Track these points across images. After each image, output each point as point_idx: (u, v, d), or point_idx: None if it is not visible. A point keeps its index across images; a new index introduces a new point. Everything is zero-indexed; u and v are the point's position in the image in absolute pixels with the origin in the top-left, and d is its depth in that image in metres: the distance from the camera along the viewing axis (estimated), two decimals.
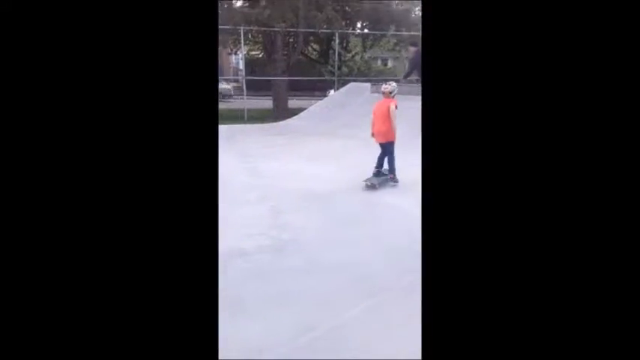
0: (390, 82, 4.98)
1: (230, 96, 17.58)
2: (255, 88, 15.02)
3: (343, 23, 13.67)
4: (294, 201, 4.26)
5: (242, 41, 12.22)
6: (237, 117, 11.28)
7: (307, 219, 3.76)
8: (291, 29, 12.02)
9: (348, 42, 12.99)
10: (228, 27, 11.14)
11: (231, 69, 26.14)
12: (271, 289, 2.53)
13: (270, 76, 13.06)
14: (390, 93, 4.78)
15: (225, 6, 11.84)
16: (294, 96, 14.96)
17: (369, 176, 4.83)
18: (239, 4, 12.95)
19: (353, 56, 12.59)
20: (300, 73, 14.94)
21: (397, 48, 13.43)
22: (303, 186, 4.77)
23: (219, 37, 11.08)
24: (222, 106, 11.25)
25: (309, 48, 16.78)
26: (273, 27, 11.50)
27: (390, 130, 4.68)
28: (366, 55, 13.15)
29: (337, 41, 12.28)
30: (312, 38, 15.32)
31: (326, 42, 14.35)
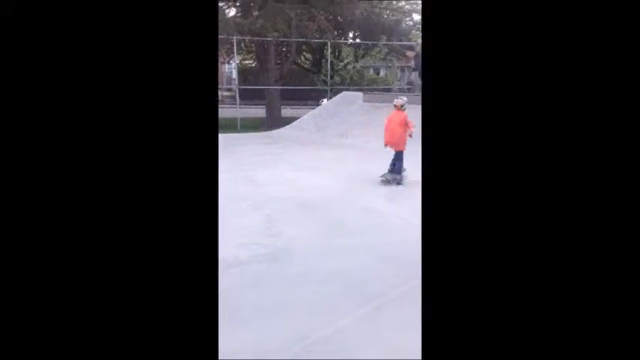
0: (402, 97, 5.56)
1: (221, 101, 17.56)
2: (248, 97, 15.05)
3: (335, 33, 13.81)
4: (288, 210, 4.28)
5: (235, 51, 12.29)
6: (230, 126, 11.29)
7: (301, 228, 3.78)
8: (284, 39, 12.13)
9: (340, 51, 13.12)
10: (221, 36, 11.20)
11: (224, 78, 26.18)
12: (266, 298, 2.54)
13: (263, 85, 13.13)
14: (402, 106, 5.32)
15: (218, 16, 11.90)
16: (287, 105, 15.02)
17: (385, 172, 5.43)
18: (232, 13, 13.05)
19: (345, 65, 12.71)
20: (293, 82, 15.03)
21: (388, 57, 13.60)
22: (297, 195, 4.79)
23: None
24: None
25: (302, 57, 16.91)
26: (266, 37, 11.59)
27: (402, 140, 5.24)
28: (358, 65, 13.29)
29: (329, 51, 12.40)
30: (304, 48, 15.45)
31: (318, 51, 14.48)
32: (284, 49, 13.84)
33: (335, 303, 2.47)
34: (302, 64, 17.35)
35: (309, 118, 10.47)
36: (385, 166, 5.43)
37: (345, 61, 12.73)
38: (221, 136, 9.47)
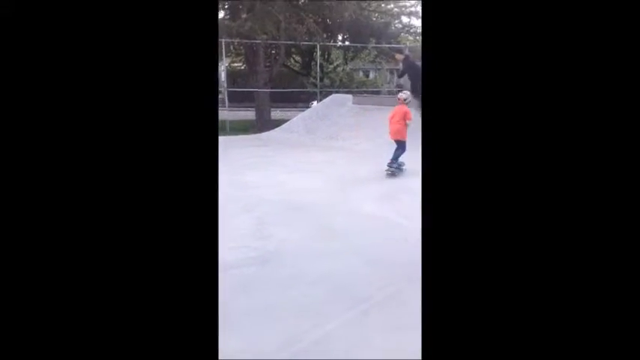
0: (405, 91, 6.08)
1: None
2: (237, 99, 15.00)
3: (324, 35, 13.85)
4: (278, 212, 4.25)
5: (224, 53, 12.24)
6: (219, 128, 11.22)
7: (292, 230, 3.76)
8: (273, 41, 12.11)
9: (329, 54, 13.16)
10: None
11: None
12: (255, 301, 2.51)
13: (252, 88, 13.09)
14: (405, 100, 5.81)
15: None
16: (277, 107, 15.00)
17: (390, 163, 5.77)
18: (220, 16, 13.00)
19: (335, 68, 12.74)
20: (283, 85, 15.02)
21: (378, 60, 13.66)
22: (287, 197, 4.77)
23: None
24: None
25: (292, 60, 16.93)
26: (255, 39, 11.56)
27: (403, 130, 5.69)
28: (348, 67, 13.34)
29: (319, 53, 12.42)
30: (294, 50, 15.46)
31: (308, 54, 14.50)
32: (273, 52, 13.82)
33: (324, 306, 2.46)
34: (291, 66, 17.36)
35: (298, 120, 10.45)
36: (377, 166, 5.61)
37: (335, 64, 12.76)
38: None
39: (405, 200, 4.68)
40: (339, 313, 2.37)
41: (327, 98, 10.89)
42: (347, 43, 15.44)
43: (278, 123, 11.28)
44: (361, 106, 9.51)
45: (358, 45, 13.88)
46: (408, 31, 17.02)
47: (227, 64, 16.10)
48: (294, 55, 16.94)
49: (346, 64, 13.25)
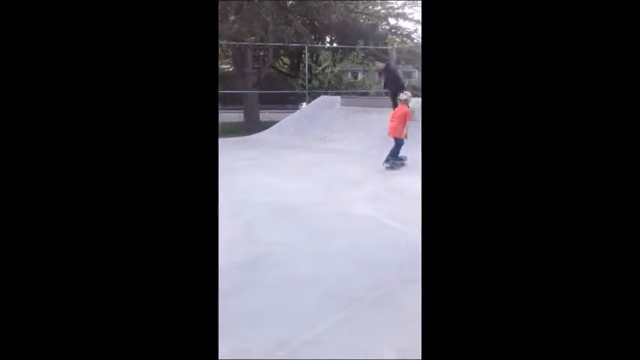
0: (407, 92, 6.47)
1: None
2: (226, 101, 14.91)
3: (312, 37, 13.86)
4: (267, 215, 4.25)
5: None
6: None
7: (281, 233, 3.76)
8: (261, 43, 12.09)
9: (318, 55, 13.18)
10: None
11: None
12: (244, 305, 2.51)
13: (240, 90, 13.04)
14: (406, 101, 6.20)
15: None
16: (266, 109, 14.97)
17: (386, 159, 6.20)
18: None
19: (323, 69, 12.77)
20: (271, 87, 14.99)
21: (366, 61, 13.73)
22: (277, 199, 4.76)
23: None
24: None
25: (280, 61, 16.89)
26: (243, 41, 11.52)
27: (403, 129, 6.09)
28: (336, 69, 13.37)
29: (307, 55, 12.43)
30: (282, 52, 15.44)
31: (296, 56, 14.48)
32: (261, 54, 13.79)
33: (313, 309, 2.47)
34: (280, 68, 17.32)
35: (287, 122, 10.45)
36: (367, 167, 5.98)
37: (323, 65, 12.79)
38: None
39: (395, 201, 4.72)
40: (330, 316, 2.38)
41: (316, 100, 10.91)
42: (335, 44, 15.47)
43: (267, 125, 11.26)
44: (350, 107, 9.55)
45: (346, 47, 13.93)
46: (395, 33, 17.13)
47: None
48: (282, 57, 16.91)
49: (334, 65, 13.29)
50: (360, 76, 16.15)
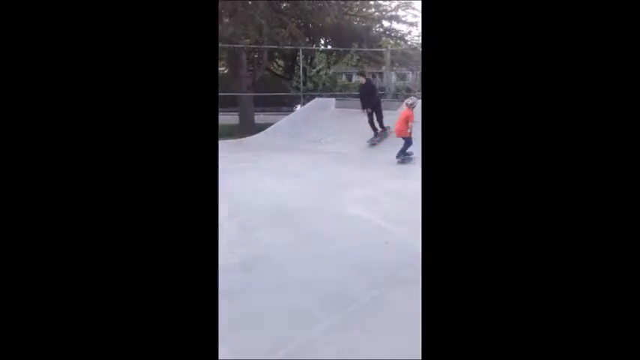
0: (412, 97, 7.28)
1: None
2: (221, 104, 14.83)
3: (307, 40, 13.89)
4: (262, 217, 4.26)
5: None
6: None
7: (276, 235, 3.77)
8: (255, 46, 12.09)
9: (312, 58, 13.21)
10: None
11: None
12: (239, 308, 2.52)
13: (235, 92, 13.03)
14: (411, 104, 6.88)
15: None
16: (261, 111, 14.97)
17: (398, 154, 6.92)
18: None
19: (318, 72, 12.79)
20: (266, 89, 14.98)
21: (360, 64, 13.77)
22: (272, 202, 4.78)
23: None
24: None
25: (275, 64, 16.89)
26: (237, 44, 11.53)
27: (406, 130, 6.81)
28: (331, 71, 13.40)
29: (302, 57, 12.45)
30: (277, 54, 15.44)
31: (291, 58, 14.49)
32: (256, 56, 13.79)
33: (309, 312, 2.48)
34: (274, 70, 17.33)
35: (282, 124, 10.46)
36: (361, 169, 6.37)
37: (318, 68, 12.81)
38: None
39: (390, 203, 4.75)
40: (326, 318, 2.40)
41: (311, 102, 10.93)
42: (329, 47, 15.51)
43: (262, 127, 11.26)
44: (344, 109, 9.58)
45: (340, 49, 13.97)
46: (389, 35, 17.21)
47: None
48: (277, 60, 16.92)
49: (329, 67, 13.32)
50: (354, 78, 16.20)
